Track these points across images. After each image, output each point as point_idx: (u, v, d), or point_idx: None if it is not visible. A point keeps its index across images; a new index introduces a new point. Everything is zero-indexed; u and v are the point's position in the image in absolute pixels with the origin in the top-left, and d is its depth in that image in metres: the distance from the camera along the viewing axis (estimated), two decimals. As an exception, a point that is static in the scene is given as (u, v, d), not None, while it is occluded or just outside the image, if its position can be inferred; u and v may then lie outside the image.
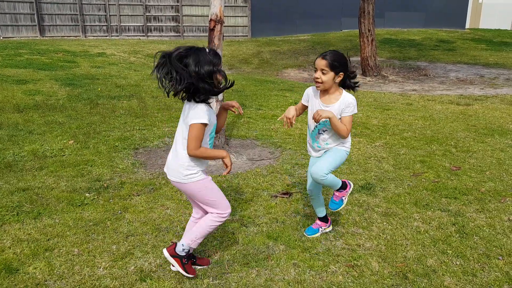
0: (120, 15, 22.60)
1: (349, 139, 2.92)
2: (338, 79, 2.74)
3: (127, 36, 22.87)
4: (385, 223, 3.36)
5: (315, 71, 2.72)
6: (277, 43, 19.49)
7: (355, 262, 2.81)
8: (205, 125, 2.33)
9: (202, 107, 2.34)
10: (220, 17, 4.79)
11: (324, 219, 3.19)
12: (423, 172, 4.50)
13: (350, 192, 3.01)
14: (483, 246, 3.04)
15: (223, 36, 4.94)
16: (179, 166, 2.43)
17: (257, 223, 3.33)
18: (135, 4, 22.76)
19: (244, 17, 24.14)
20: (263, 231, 3.20)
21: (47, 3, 21.47)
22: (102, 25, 22.54)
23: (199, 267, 2.71)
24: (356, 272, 2.71)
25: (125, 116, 6.56)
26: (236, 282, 2.59)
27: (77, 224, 3.30)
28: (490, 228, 3.30)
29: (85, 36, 22.10)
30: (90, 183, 4.07)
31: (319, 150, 2.94)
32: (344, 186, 2.97)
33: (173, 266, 2.57)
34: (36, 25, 21.33)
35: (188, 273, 2.56)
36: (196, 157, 2.39)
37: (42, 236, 3.11)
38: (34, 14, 21.13)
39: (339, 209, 2.96)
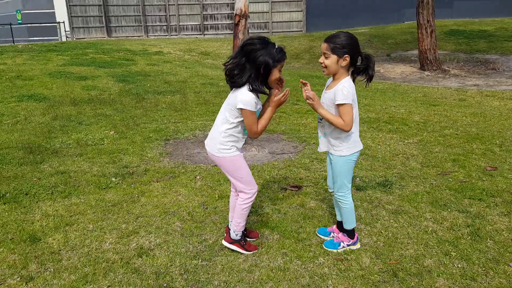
0: (179, 15, 23.52)
1: (350, 138, 2.65)
2: (343, 63, 2.52)
3: (185, 35, 23.77)
4: (391, 221, 3.27)
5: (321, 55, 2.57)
6: (332, 38, 19.13)
7: (345, 256, 2.79)
8: (254, 113, 2.51)
9: (251, 96, 2.47)
10: (245, 11, 4.90)
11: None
12: (453, 171, 4.29)
13: (352, 248, 2.85)
14: (494, 251, 2.86)
15: (248, 31, 5.03)
16: (215, 139, 2.65)
17: (259, 213, 3.40)
18: (193, 4, 23.55)
19: (299, 11, 24.01)
20: (262, 220, 3.26)
21: (114, 5, 22.93)
22: (162, 25, 23.62)
23: (249, 239, 2.94)
24: (344, 265, 2.69)
25: (165, 110, 6.91)
26: (222, 265, 2.69)
27: (98, 204, 3.58)
28: (510, 233, 3.09)
29: (147, 36, 23.30)
30: (118, 169, 4.38)
31: (322, 143, 2.80)
32: (352, 235, 2.86)
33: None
34: (104, 27, 22.89)
35: (249, 251, 2.80)
36: (260, 135, 2.60)
37: (66, 212, 3.43)
38: (102, 16, 22.68)
39: (330, 250, 2.84)
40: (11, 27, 23.04)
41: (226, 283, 2.51)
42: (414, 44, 14.77)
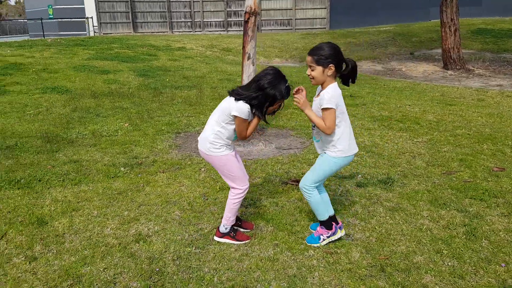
0: (203, 11, 23.75)
1: (342, 142, 2.73)
2: (329, 72, 2.65)
3: (208, 31, 23.99)
4: (387, 218, 3.29)
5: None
6: (354, 35, 18.99)
7: (336, 250, 2.84)
8: (246, 121, 2.71)
9: (246, 107, 2.66)
10: (255, 9, 4.96)
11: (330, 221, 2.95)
12: (458, 171, 4.25)
13: (333, 238, 2.88)
14: (488, 251, 2.85)
15: (258, 28, 5.09)
16: (205, 139, 2.79)
17: (257, 205, 3.48)
18: (217, 0, 23.71)
19: (323, 9, 23.87)
20: (259, 213, 3.34)
21: (140, 1, 23.34)
22: (187, 21, 23.91)
23: (244, 230, 3.05)
24: (333, 259, 2.74)
25: (180, 104, 7.06)
26: (214, 253, 2.79)
27: (105, 192, 3.74)
28: (507, 234, 3.07)
29: (172, 32, 23.63)
30: (128, 160, 4.54)
31: (318, 146, 2.88)
32: (328, 226, 2.87)
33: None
34: (130, 22, 23.34)
35: (241, 241, 2.90)
36: (246, 138, 2.83)
37: (74, 199, 3.60)
38: (129, 12, 23.12)
39: (313, 245, 2.87)
40: (41, 22, 23.79)
41: (216, 270, 2.61)
42: (439, 42, 14.46)
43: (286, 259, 2.73)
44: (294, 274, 2.58)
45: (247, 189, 2.87)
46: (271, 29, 24.06)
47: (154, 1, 23.64)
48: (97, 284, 2.46)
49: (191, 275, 2.55)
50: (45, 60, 11.34)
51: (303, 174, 4.10)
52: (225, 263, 2.68)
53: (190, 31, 24.00)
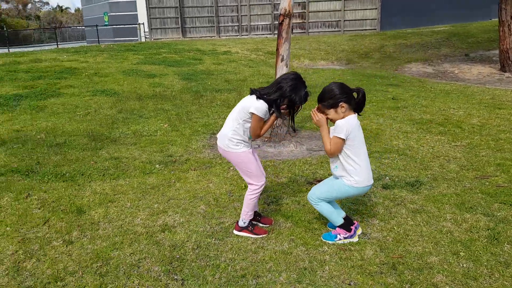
0: (250, 15, 24.07)
1: (360, 174, 2.76)
2: (342, 110, 2.72)
3: (255, 35, 24.29)
4: (408, 219, 3.29)
5: None
6: (405, 36, 18.52)
7: (349, 247, 2.89)
8: (262, 119, 2.85)
9: (264, 105, 2.80)
10: (289, 11, 5.08)
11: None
12: (493, 176, 4.14)
13: (348, 239, 2.93)
14: (508, 255, 2.79)
15: (292, 30, 5.20)
16: (224, 136, 2.95)
17: (279, 203, 3.59)
18: (264, 4, 23.97)
19: (373, 9, 23.45)
20: (280, 210, 3.45)
21: (189, 7, 24.10)
22: (234, 25, 24.36)
23: (262, 224, 3.20)
24: (345, 255, 2.80)
25: (219, 107, 7.30)
26: (232, 245, 2.93)
27: (140, 186, 4.01)
28: (532, 239, 2.99)
29: (219, 36, 24.17)
30: (164, 158, 4.80)
31: (335, 172, 2.91)
32: (348, 228, 2.93)
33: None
34: (179, 28, 24.14)
35: (258, 235, 3.03)
36: (259, 138, 2.98)
37: (111, 191, 3.88)
38: (178, 17, 23.93)
39: (327, 241, 2.95)
40: (97, 29, 25.19)
41: (232, 260, 2.75)
42: (497, 43, 13.86)
43: (299, 253, 2.83)
44: (305, 267, 2.67)
45: (264, 185, 2.99)
46: (319, 31, 23.98)
47: (203, 6, 24.34)
48: (122, 267, 2.68)
49: (208, 263, 2.71)
50: (97, 65, 12.06)
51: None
52: (241, 254, 2.82)
53: (237, 35, 24.45)
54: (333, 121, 2.79)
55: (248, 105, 2.84)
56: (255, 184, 2.96)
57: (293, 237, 3.03)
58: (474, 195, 3.70)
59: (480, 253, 2.81)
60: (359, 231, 3.05)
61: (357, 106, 2.80)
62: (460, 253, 2.81)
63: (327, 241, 2.96)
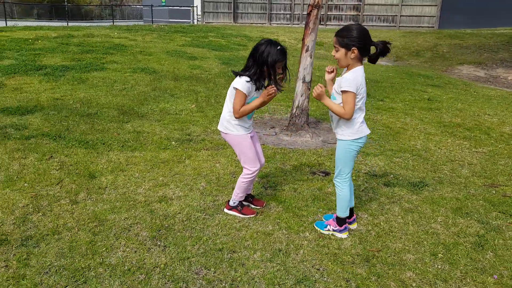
0: (303, 4, 23.82)
1: (355, 124, 2.72)
2: (352, 55, 2.61)
3: (307, 25, 24.00)
4: (399, 217, 3.32)
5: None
6: (462, 36, 17.72)
7: (331, 236, 2.98)
8: (244, 94, 2.86)
9: (244, 79, 2.85)
10: (318, 2, 5.10)
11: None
12: (503, 185, 4.03)
13: (337, 234, 2.97)
14: (488, 263, 2.77)
15: (320, 21, 5.21)
16: (223, 118, 3.06)
17: (277, 188, 3.72)
18: (320, -6, 23.58)
19: (433, 6, 22.52)
20: (275, 194, 3.58)
21: (243, -8, 24.21)
22: (286, 13, 24.26)
23: (254, 206, 3.34)
24: (324, 242, 2.89)
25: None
26: (219, 221, 3.10)
27: (152, 159, 4.26)
28: (520, 250, 2.94)
29: (270, 24, 24.17)
30: (182, 136, 5.04)
31: (333, 125, 2.89)
32: (341, 223, 2.97)
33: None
34: (231, 13, 24.39)
35: (246, 215, 3.18)
36: (239, 117, 2.94)
37: (124, 161, 4.17)
38: (231, 2, 24.15)
39: (317, 228, 3.03)
40: (151, 9, 25.95)
41: (214, 234, 2.93)
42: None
43: (280, 236, 2.95)
44: (279, 248, 2.79)
45: (257, 171, 3.10)
46: (373, 25, 23.39)
47: (257, -8, 24.43)
48: (115, 229, 2.93)
49: (192, 235, 2.91)
50: (145, 44, 12.55)
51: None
52: (225, 230, 2.98)
53: (288, 24, 24.35)
54: (338, 62, 2.71)
55: (232, 84, 2.92)
56: (248, 169, 3.08)
57: (279, 220, 3.16)
58: (475, 201, 3.65)
59: (459, 257, 2.81)
60: (354, 226, 3.11)
61: (372, 58, 2.70)
62: (439, 255, 2.83)
63: (317, 228, 3.04)
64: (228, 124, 3.04)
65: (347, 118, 2.71)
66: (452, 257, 2.81)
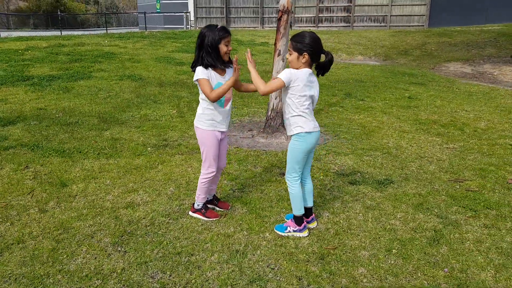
0: (295, 7, 23.94)
1: (298, 119, 2.85)
2: (303, 60, 2.79)
3: (298, 27, 24.16)
4: (360, 214, 3.40)
5: None
6: (451, 34, 17.83)
7: (289, 235, 3.06)
8: (205, 79, 2.93)
9: (199, 68, 2.96)
10: (287, 8, 5.20)
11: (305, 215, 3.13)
12: (468, 180, 4.11)
13: (297, 234, 3.04)
14: (441, 257, 2.84)
15: (291, 25, 5.31)
16: (197, 113, 3.13)
17: (244, 190, 3.80)
18: (311, -4, 23.76)
19: (422, 5, 22.67)
20: (241, 196, 3.66)
21: (235, -3, 24.36)
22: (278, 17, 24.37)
23: (218, 209, 3.43)
24: (282, 242, 2.97)
25: (235, 97, 7.51)
26: (182, 224, 3.18)
27: (125, 166, 4.35)
28: (474, 244, 3.01)
29: (263, 27, 24.29)
30: (158, 141, 5.13)
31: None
32: (299, 222, 3.04)
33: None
34: (224, 17, 24.51)
35: (209, 218, 3.25)
36: (216, 99, 2.96)
37: (97, 169, 4.26)
38: (223, 7, 24.30)
39: (277, 232, 3.07)
40: (144, 16, 26.10)
41: (176, 238, 3.01)
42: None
43: (240, 237, 3.04)
44: (237, 249, 2.88)
45: (212, 175, 3.16)
46: (364, 26, 23.54)
47: (249, -3, 24.57)
48: (78, 236, 3.02)
49: (153, 239, 2.99)
50: (134, 51, 12.67)
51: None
52: (186, 234, 3.07)
53: (280, 27, 24.45)
54: (289, 64, 2.88)
55: (194, 79, 3.01)
56: (204, 170, 3.17)
57: (241, 222, 3.24)
58: (437, 197, 3.73)
59: (413, 252, 2.89)
60: (314, 225, 3.20)
61: (320, 68, 2.89)
62: (393, 250, 2.91)
63: (277, 232, 3.10)
64: (199, 118, 3.09)
65: (262, 91, 2.84)
66: (406, 252, 2.89)
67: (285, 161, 4.43)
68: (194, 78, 2.97)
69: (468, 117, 6.54)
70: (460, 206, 3.55)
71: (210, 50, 2.91)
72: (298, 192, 3.01)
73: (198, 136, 3.15)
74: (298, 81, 2.81)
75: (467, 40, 16.74)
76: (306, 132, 2.89)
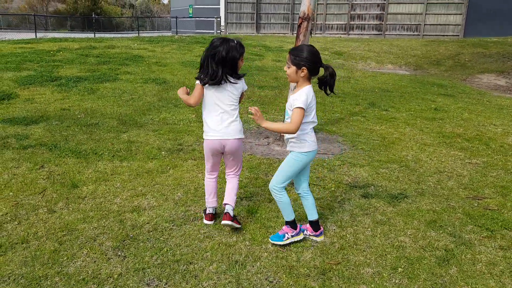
0: (326, 14, 23.82)
1: (309, 137, 2.87)
2: (302, 74, 2.77)
3: (328, 34, 23.97)
4: (368, 229, 3.28)
5: None
6: (486, 45, 17.25)
7: (292, 247, 2.98)
8: (200, 86, 3.06)
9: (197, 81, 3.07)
10: (308, 14, 5.14)
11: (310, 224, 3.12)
12: (487, 198, 3.92)
13: (296, 238, 3.01)
14: (450, 278, 2.70)
15: (310, 32, 5.24)
16: (239, 123, 3.17)
17: (251, 199, 3.74)
18: (342, 3, 23.56)
19: (458, 14, 22.06)
20: (248, 205, 3.61)
21: (266, 3, 24.46)
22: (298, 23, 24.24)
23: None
24: (283, 254, 2.90)
25: (254, 103, 7.51)
26: (185, 231, 3.15)
27: (137, 169, 4.38)
28: (487, 266, 2.85)
29: (292, 33, 24.23)
30: (173, 145, 5.15)
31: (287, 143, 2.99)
32: (294, 226, 3.01)
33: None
34: (254, 23, 24.63)
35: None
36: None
37: (110, 171, 4.30)
38: (254, 13, 24.41)
39: (276, 242, 2.97)
40: (176, 20, 26.54)
41: (176, 245, 2.99)
42: None
43: (241, 247, 2.98)
44: (237, 259, 2.82)
45: (205, 178, 3.34)
46: (396, 34, 23.13)
47: (279, 3, 24.59)
48: (81, 238, 3.04)
49: (154, 245, 2.98)
50: (162, 54, 12.86)
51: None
52: (188, 241, 3.04)
53: (310, 33, 24.33)
54: (288, 77, 2.87)
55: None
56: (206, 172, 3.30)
57: (244, 231, 3.19)
58: (453, 214, 3.56)
59: (419, 272, 2.76)
60: (321, 238, 3.11)
61: (323, 83, 2.86)
62: (399, 269, 2.78)
63: (276, 243, 3.00)
64: (242, 129, 3.21)
65: (292, 131, 2.82)
66: (413, 271, 2.76)
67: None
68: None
69: (496, 132, 6.27)
70: (475, 225, 3.38)
71: (217, 65, 3.01)
72: (286, 198, 2.99)
73: (241, 147, 3.21)
74: (311, 99, 2.82)
75: (503, 52, 16.16)
76: (313, 150, 2.92)
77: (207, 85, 3.02)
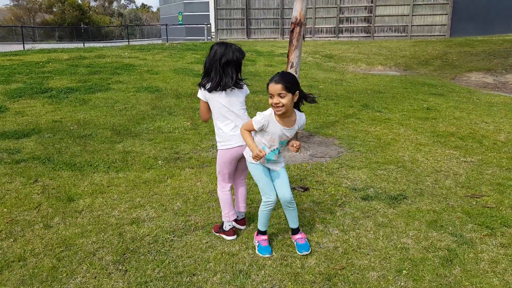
0: (315, 17, 23.94)
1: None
2: (295, 98, 2.74)
3: (318, 37, 24.09)
4: (370, 232, 3.27)
5: (271, 97, 2.69)
6: (472, 43, 17.44)
7: (296, 255, 2.95)
8: (204, 102, 3.05)
9: (199, 89, 3.07)
10: (300, 20, 5.13)
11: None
12: (485, 195, 3.93)
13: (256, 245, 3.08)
14: (454, 278, 2.69)
15: (304, 37, 5.24)
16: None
17: (251, 205, 3.72)
18: (330, 7, 23.71)
19: (443, 15, 22.35)
20: (249, 212, 3.57)
21: (255, 9, 24.54)
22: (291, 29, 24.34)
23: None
24: (287, 261, 2.87)
25: (249, 108, 7.45)
26: (187, 242, 3.11)
27: (134, 180, 4.33)
28: (490, 264, 2.84)
29: (283, 38, 24.31)
30: (170, 154, 5.11)
31: (274, 163, 2.98)
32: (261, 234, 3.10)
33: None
34: (244, 29, 24.68)
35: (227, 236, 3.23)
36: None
37: (106, 183, 4.25)
38: (244, 19, 24.47)
39: (306, 252, 2.96)
40: (166, 28, 26.50)
41: (178, 257, 2.95)
42: None
43: (244, 255, 2.95)
44: (242, 269, 2.79)
45: (221, 191, 3.18)
46: (385, 36, 23.34)
47: (269, 8, 24.69)
48: (80, 253, 2.99)
49: (155, 257, 2.93)
50: (154, 62, 12.81)
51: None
52: (190, 252, 3.00)
53: (298, 37, 24.42)
54: (280, 108, 2.70)
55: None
56: (219, 184, 3.21)
57: (247, 240, 3.15)
58: (452, 213, 3.56)
59: (424, 273, 2.74)
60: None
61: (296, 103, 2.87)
62: (403, 271, 2.77)
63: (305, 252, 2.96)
64: (216, 139, 3.15)
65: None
66: (418, 273, 2.75)
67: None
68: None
69: (488, 129, 6.31)
70: (475, 224, 3.38)
71: (219, 71, 3.03)
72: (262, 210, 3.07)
73: None
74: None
75: (489, 50, 16.34)
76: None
77: (213, 92, 2.96)
